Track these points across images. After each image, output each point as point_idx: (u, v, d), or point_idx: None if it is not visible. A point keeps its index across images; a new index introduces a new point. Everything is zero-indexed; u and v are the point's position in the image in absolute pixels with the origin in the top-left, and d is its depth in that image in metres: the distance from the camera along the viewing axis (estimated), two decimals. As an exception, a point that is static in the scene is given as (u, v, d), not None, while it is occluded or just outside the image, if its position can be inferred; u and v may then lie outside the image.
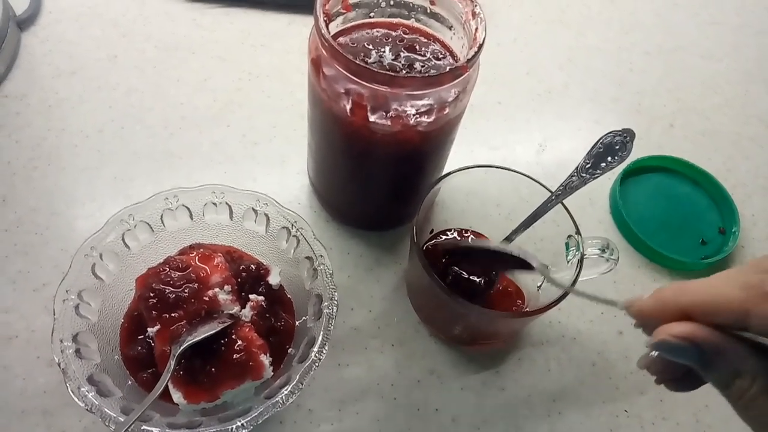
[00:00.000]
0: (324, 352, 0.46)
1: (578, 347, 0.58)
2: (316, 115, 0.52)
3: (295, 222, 0.53)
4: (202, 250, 0.51)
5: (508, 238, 0.52)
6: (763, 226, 0.70)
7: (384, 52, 0.51)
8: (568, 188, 0.50)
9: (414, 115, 0.46)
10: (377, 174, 0.55)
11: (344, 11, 0.51)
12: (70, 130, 0.66)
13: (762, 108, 0.82)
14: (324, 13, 0.46)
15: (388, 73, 0.43)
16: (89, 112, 0.67)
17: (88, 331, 0.47)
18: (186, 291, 0.47)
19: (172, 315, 0.46)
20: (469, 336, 0.56)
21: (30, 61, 0.71)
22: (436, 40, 0.53)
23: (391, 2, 0.52)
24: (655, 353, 0.33)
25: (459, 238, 0.59)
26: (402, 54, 0.52)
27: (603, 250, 0.50)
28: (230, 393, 0.45)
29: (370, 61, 0.51)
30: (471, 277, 0.54)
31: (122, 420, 0.41)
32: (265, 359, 0.45)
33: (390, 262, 0.61)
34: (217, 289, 0.47)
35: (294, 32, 0.78)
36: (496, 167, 0.54)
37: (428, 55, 0.52)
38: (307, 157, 0.63)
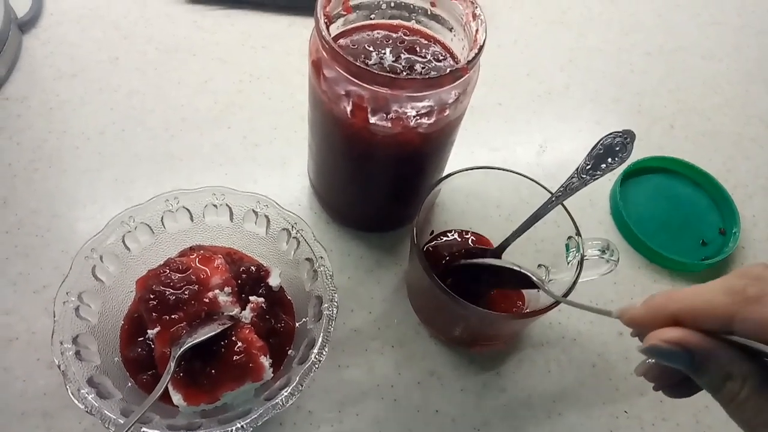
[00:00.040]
0: (324, 353, 0.46)
1: (578, 348, 0.58)
2: (317, 117, 0.52)
3: (296, 224, 0.53)
4: (202, 251, 0.51)
5: (508, 240, 0.52)
6: (764, 226, 0.70)
7: (384, 53, 0.51)
8: (568, 189, 0.50)
9: (414, 116, 0.46)
10: (377, 175, 0.55)
11: (345, 13, 0.51)
12: (71, 132, 0.66)
13: (763, 108, 0.82)
14: (324, 15, 0.46)
15: (388, 74, 0.43)
16: (90, 114, 0.68)
17: (89, 333, 0.47)
18: (186, 293, 0.47)
19: (173, 317, 0.46)
20: (469, 337, 0.56)
21: (31, 63, 0.71)
22: (436, 41, 0.53)
23: (392, 4, 0.53)
24: (650, 360, 0.35)
25: (460, 239, 0.59)
26: (402, 56, 0.52)
27: (603, 251, 0.50)
28: (230, 395, 0.45)
29: (370, 62, 0.51)
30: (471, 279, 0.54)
31: (122, 422, 0.41)
32: (265, 361, 0.45)
33: (390, 263, 0.61)
34: (217, 291, 0.47)
35: (294, 34, 0.79)
36: (497, 168, 0.54)
37: (429, 56, 0.52)
38: (307, 158, 0.63)
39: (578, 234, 0.50)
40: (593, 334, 0.59)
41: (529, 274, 0.47)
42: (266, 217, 0.53)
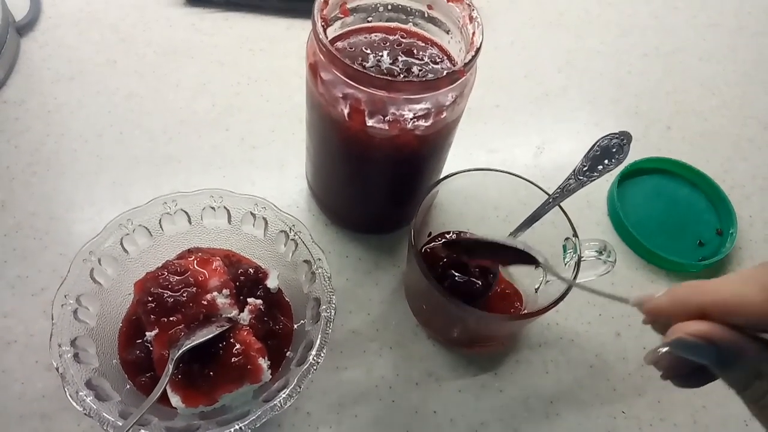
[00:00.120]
0: (322, 355, 0.46)
1: (576, 349, 0.58)
2: (314, 120, 0.52)
3: (294, 226, 0.53)
4: (200, 254, 0.51)
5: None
6: (761, 227, 0.70)
7: (382, 56, 0.52)
8: (565, 191, 0.50)
9: (411, 119, 0.46)
10: (375, 177, 0.55)
11: (342, 16, 0.52)
12: (69, 135, 0.66)
13: (760, 109, 0.82)
14: (322, 18, 0.46)
15: (385, 77, 0.43)
16: (88, 117, 0.68)
17: (87, 335, 0.47)
18: (184, 295, 0.47)
19: (171, 319, 0.46)
20: (467, 338, 0.56)
21: (29, 66, 0.71)
22: (433, 44, 0.53)
23: (389, 7, 0.53)
24: (663, 350, 0.33)
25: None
26: (400, 58, 0.52)
27: (600, 252, 0.50)
28: (228, 396, 0.45)
29: (367, 65, 0.51)
30: (470, 280, 0.54)
31: (120, 424, 0.41)
32: (264, 362, 0.45)
33: (388, 265, 0.61)
34: (215, 293, 0.47)
35: (292, 36, 0.79)
36: (494, 170, 0.54)
37: (426, 59, 0.52)
38: (305, 160, 0.63)
39: (575, 235, 0.50)
40: (591, 334, 0.59)
41: (538, 258, 0.45)
42: (264, 219, 0.54)
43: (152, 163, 0.65)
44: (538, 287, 0.55)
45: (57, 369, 0.43)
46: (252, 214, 0.54)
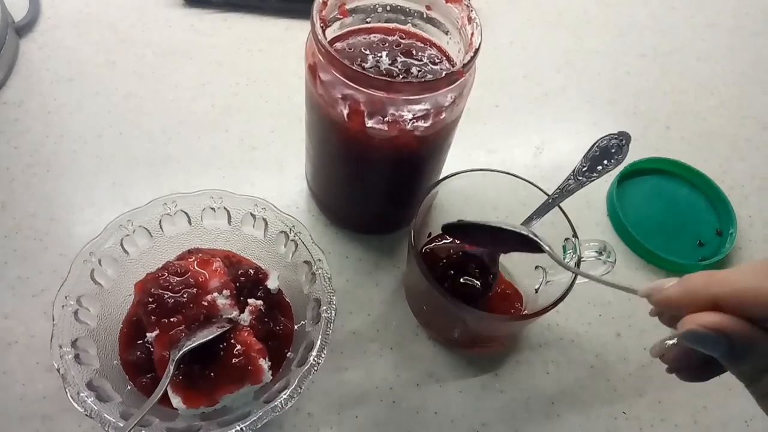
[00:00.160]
0: (323, 356, 0.46)
1: (577, 349, 0.58)
2: (314, 120, 0.52)
3: (294, 226, 0.53)
4: (200, 255, 0.51)
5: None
6: (760, 227, 0.70)
7: (381, 57, 0.52)
8: (565, 191, 0.50)
9: (411, 119, 0.46)
10: (375, 178, 0.55)
11: (341, 17, 0.52)
12: (68, 135, 0.66)
13: (758, 109, 0.82)
14: (320, 19, 0.46)
15: (384, 78, 0.43)
16: (88, 118, 0.68)
17: (87, 336, 0.47)
18: (185, 296, 0.47)
19: (171, 320, 0.46)
20: (467, 339, 0.56)
21: (28, 67, 0.71)
22: (432, 44, 0.53)
23: (388, 7, 0.53)
24: (670, 342, 0.32)
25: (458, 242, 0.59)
26: (399, 59, 0.52)
27: (600, 253, 0.50)
28: (229, 397, 0.45)
29: (366, 66, 0.51)
30: (469, 280, 0.54)
31: (121, 425, 0.41)
32: (264, 363, 0.45)
33: (389, 265, 0.61)
34: (215, 294, 0.47)
35: (291, 37, 0.79)
36: (494, 171, 0.54)
37: (425, 59, 0.52)
38: (305, 161, 0.63)
39: (575, 236, 0.50)
40: (591, 335, 0.59)
41: (542, 244, 0.44)
42: (264, 220, 0.54)
43: (152, 163, 0.65)
44: (538, 288, 0.55)
45: (58, 370, 0.43)
46: (252, 214, 0.54)
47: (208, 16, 0.80)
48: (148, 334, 0.46)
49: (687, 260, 0.64)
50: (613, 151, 0.49)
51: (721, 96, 0.83)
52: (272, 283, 0.51)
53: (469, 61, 0.45)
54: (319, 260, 0.51)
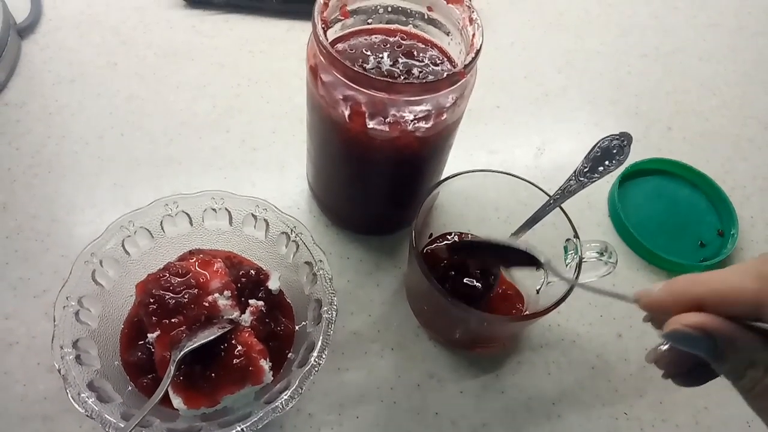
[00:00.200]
0: (324, 356, 0.46)
1: (577, 350, 0.58)
2: (315, 121, 0.52)
3: (295, 227, 0.53)
4: (201, 255, 0.51)
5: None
6: (762, 227, 0.70)
7: (382, 58, 0.52)
8: (566, 192, 0.50)
9: (412, 120, 0.46)
10: (376, 179, 0.55)
11: (342, 18, 0.52)
12: (70, 137, 0.66)
13: (760, 109, 0.82)
14: (322, 20, 0.46)
15: (385, 79, 0.43)
16: (89, 119, 0.68)
17: (89, 337, 0.47)
18: (186, 297, 0.47)
19: (172, 321, 0.46)
20: (468, 340, 0.56)
21: (30, 68, 0.71)
22: (433, 45, 0.53)
23: (389, 9, 0.53)
24: (664, 347, 0.33)
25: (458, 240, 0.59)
26: (400, 60, 0.52)
27: (601, 253, 0.50)
28: (230, 398, 0.45)
29: (368, 67, 0.51)
30: (470, 281, 0.54)
31: (122, 426, 0.41)
32: (265, 364, 0.45)
33: (389, 266, 0.61)
34: (216, 295, 0.48)
35: (293, 38, 0.79)
36: (495, 171, 0.54)
37: (426, 60, 0.52)
38: (306, 162, 0.63)
39: (576, 236, 0.50)
40: (592, 335, 0.59)
41: (540, 258, 0.44)
42: (265, 220, 0.54)
43: (153, 164, 0.65)
44: (540, 288, 0.55)
45: (59, 371, 0.43)
46: (253, 215, 0.54)
47: (210, 17, 0.80)
48: (149, 335, 0.46)
49: (688, 261, 0.64)
50: (615, 151, 0.49)
51: (723, 96, 0.83)
52: (273, 284, 0.51)
53: (471, 62, 0.45)
54: (320, 261, 0.51)
